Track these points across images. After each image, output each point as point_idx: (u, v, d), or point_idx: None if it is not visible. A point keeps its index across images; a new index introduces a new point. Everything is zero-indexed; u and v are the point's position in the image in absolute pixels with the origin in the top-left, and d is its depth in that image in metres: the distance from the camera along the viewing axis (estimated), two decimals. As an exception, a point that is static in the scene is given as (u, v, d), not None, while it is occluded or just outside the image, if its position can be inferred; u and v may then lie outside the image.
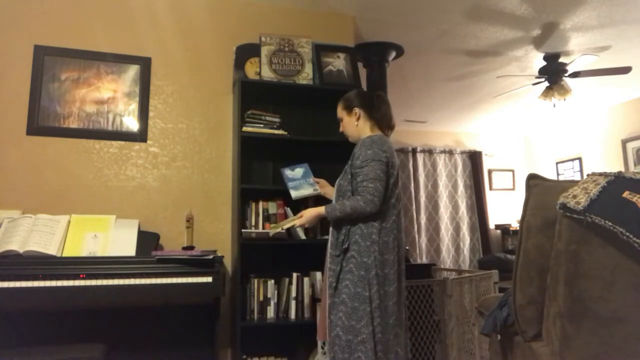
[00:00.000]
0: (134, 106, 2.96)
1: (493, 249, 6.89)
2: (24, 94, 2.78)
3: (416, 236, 6.59)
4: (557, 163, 6.86)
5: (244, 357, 2.77)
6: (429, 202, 6.82)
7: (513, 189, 7.27)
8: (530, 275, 1.59)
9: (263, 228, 2.87)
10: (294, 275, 2.86)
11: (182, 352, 2.65)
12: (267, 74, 2.99)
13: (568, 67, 4.35)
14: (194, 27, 3.17)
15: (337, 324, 2.02)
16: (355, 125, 2.30)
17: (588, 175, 1.56)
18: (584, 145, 6.42)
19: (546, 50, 4.28)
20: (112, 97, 2.93)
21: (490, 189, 7.17)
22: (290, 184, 2.67)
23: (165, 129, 3.02)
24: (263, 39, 3.05)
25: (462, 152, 7.12)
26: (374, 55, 4.02)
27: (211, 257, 2.44)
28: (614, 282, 1.37)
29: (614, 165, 5.93)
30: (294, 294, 2.84)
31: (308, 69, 3.07)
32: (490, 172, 7.21)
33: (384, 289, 2.05)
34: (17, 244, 2.31)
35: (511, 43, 4.12)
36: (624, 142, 5.84)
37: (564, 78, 4.42)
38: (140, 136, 2.95)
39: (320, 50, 3.18)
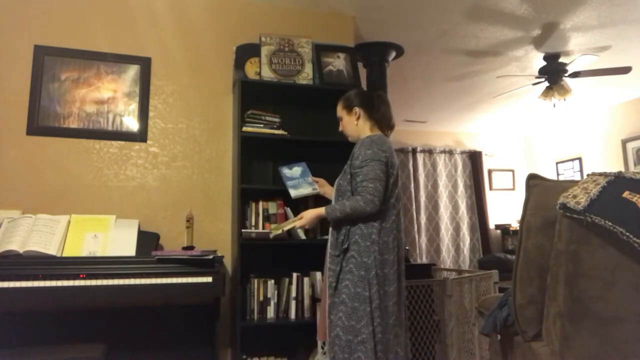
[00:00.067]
0: (134, 106, 2.96)
1: (493, 249, 6.89)
2: (24, 94, 2.78)
3: (416, 236, 6.59)
4: (557, 163, 6.86)
5: (244, 357, 2.77)
6: (429, 202, 6.82)
7: (513, 189, 7.27)
8: (530, 275, 1.59)
9: (263, 228, 2.87)
10: (294, 275, 2.86)
11: (182, 352, 2.65)
12: (267, 74, 2.99)
13: (568, 67, 4.35)
14: (194, 27, 3.17)
15: (337, 324, 2.02)
16: (355, 124, 2.30)
17: (588, 175, 1.56)
18: (584, 145, 6.42)
19: (546, 50, 4.28)
20: (112, 97, 2.93)
21: (490, 189, 7.17)
22: (289, 183, 2.67)
23: (165, 129, 3.02)
24: (263, 39, 3.05)
25: (462, 152, 7.12)
26: (374, 55, 4.02)
27: (211, 257, 2.44)
28: (614, 282, 1.37)
29: (614, 165, 5.93)
30: (294, 294, 2.84)
31: (308, 69, 3.07)
32: (490, 172, 7.21)
33: (384, 289, 2.05)
34: (17, 244, 2.31)
35: (511, 43, 4.12)
36: (624, 142, 5.84)
37: (564, 78, 4.42)
38: (140, 136, 2.95)
39: (320, 50, 3.18)
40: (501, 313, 1.76)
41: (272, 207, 2.92)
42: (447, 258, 6.73)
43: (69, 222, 2.52)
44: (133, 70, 2.99)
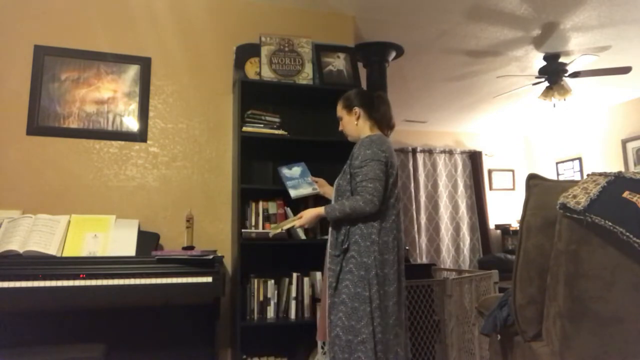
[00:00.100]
0: (134, 106, 2.96)
1: (493, 249, 6.89)
2: (24, 94, 2.78)
3: (416, 236, 6.59)
4: (557, 163, 6.86)
5: (244, 357, 2.77)
6: (429, 202, 6.82)
7: (513, 189, 7.27)
8: (530, 275, 1.59)
9: (263, 228, 2.87)
10: (294, 275, 2.86)
11: (182, 352, 2.65)
12: (267, 74, 2.99)
13: (568, 67, 4.35)
14: (194, 27, 3.17)
15: (337, 324, 2.02)
16: (354, 124, 2.30)
17: (588, 175, 1.56)
18: (584, 145, 6.42)
19: (546, 50, 4.28)
20: (112, 97, 2.93)
21: (490, 189, 7.17)
22: (288, 183, 2.67)
23: (165, 129, 3.02)
24: (263, 39, 3.05)
25: (462, 152, 7.12)
26: (374, 55, 4.02)
27: (211, 257, 2.44)
28: (614, 282, 1.37)
29: (614, 165, 5.93)
30: (294, 294, 2.84)
31: (308, 69, 3.07)
32: (490, 172, 7.21)
33: (383, 289, 2.05)
34: (17, 244, 2.31)
35: (511, 43, 4.12)
36: (624, 142, 5.84)
37: (564, 78, 4.42)
38: (140, 136, 2.95)
39: (320, 50, 3.18)
40: (501, 313, 1.76)
41: (272, 207, 2.92)
42: (447, 258, 6.73)
43: (69, 222, 2.52)
44: (133, 70, 2.99)
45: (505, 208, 7.12)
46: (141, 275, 2.32)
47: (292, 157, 2.98)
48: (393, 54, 4.12)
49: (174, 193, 2.96)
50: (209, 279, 2.40)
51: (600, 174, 1.51)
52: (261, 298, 2.81)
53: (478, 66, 4.62)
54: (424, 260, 6.52)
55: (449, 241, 6.82)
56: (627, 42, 4.12)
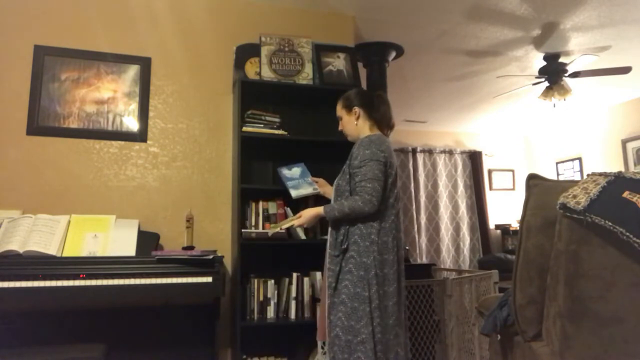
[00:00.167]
0: (134, 106, 2.96)
1: (493, 249, 6.89)
2: (24, 94, 2.78)
3: (416, 236, 6.59)
4: (557, 163, 6.86)
5: (244, 357, 2.77)
6: (429, 202, 6.82)
7: (513, 189, 7.27)
8: (530, 275, 1.59)
9: (263, 228, 2.87)
10: (294, 275, 2.86)
11: (182, 352, 2.65)
12: (267, 74, 2.99)
13: (568, 67, 4.35)
14: (194, 27, 3.17)
15: (337, 324, 2.02)
16: (354, 124, 2.30)
17: (588, 175, 1.56)
18: (584, 145, 6.42)
19: (546, 50, 4.28)
20: (112, 97, 2.93)
21: (490, 189, 7.17)
22: (289, 183, 2.67)
23: (165, 129, 3.02)
24: (263, 39, 3.05)
25: (462, 152, 7.12)
26: (374, 55, 4.02)
27: (211, 257, 2.44)
28: (614, 282, 1.37)
29: (614, 165, 5.93)
30: (294, 294, 2.84)
31: (308, 69, 3.07)
32: (490, 172, 7.21)
33: (383, 289, 2.05)
34: (17, 244, 2.31)
35: (511, 43, 4.12)
36: (624, 142, 5.84)
37: (564, 78, 4.42)
38: (140, 136, 2.95)
39: (320, 50, 3.18)
40: (501, 313, 1.76)
41: (272, 207, 2.92)
42: (447, 258, 6.73)
43: (69, 222, 2.52)
44: (133, 70, 2.99)
45: (505, 208, 7.12)
46: (141, 275, 2.32)
47: (292, 157, 2.98)
48: (393, 54, 4.12)
49: (174, 193, 2.96)
50: (209, 279, 2.40)
51: (600, 174, 1.51)
52: (261, 298, 2.81)
53: (478, 66, 4.62)
54: (424, 260, 6.52)
55: (449, 241, 6.82)
56: (627, 42, 4.12)
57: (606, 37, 4.04)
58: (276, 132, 2.95)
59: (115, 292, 2.26)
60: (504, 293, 1.87)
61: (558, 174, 6.83)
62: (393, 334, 2.04)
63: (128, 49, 3.00)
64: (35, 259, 2.29)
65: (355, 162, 2.12)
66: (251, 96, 3.03)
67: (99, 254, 2.44)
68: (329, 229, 2.18)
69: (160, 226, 2.84)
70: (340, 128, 2.38)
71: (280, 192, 2.86)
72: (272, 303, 2.82)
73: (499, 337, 1.83)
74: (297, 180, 2.70)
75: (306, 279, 2.87)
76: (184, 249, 2.60)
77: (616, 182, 1.44)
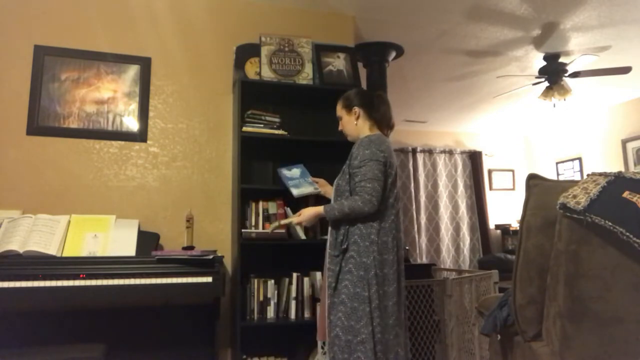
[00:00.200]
0: (134, 106, 2.96)
1: (493, 249, 6.89)
2: (24, 94, 2.78)
3: (416, 236, 6.59)
4: (557, 163, 6.86)
5: (244, 357, 2.77)
6: (429, 202, 6.82)
7: (513, 189, 7.27)
8: (530, 275, 1.59)
9: (263, 228, 2.87)
10: (294, 275, 2.86)
11: (182, 352, 2.65)
12: (267, 74, 2.99)
13: (568, 67, 4.35)
14: (194, 27, 3.17)
15: (337, 324, 2.02)
16: (354, 124, 2.30)
17: (588, 175, 1.56)
18: (584, 145, 6.42)
19: (546, 50, 4.28)
20: (112, 97, 2.93)
21: (490, 189, 7.17)
22: (290, 183, 2.68)
23: (165, 129, 3.02)
24: (263, 39, 3.05)
25: (462, 152, 7.12)
26: (374, 55, 4.02)
27: (211, 257, 2.44)
28: (614, 282, 1.37)
29: (614, 165, 5.93)
30: (294, 294, 2.84)
31: (308, 69, 3.07)
32: (490, 172, 7.21)
33: (383, 289, 2.05)
34: (17, 244, 2.31)
35: (511, 43, 4.12)
36: (624, 142, 5.84)
37: (564, 78, 4.42)
38: (140, 136, 2.95)
39: (320, 50, 3.18)
40: (501, 313, 1.76)
41: (272, 207, 2.92)
42: (447, 258, 6.73)
43: (69, 222, 2.52)
44: (133, 70, 2.99)
45: (505, 208, 7.12)
46: (141, 275, 2.32)
47: (292, 157, 2.98)
48: (393, 54, 4.12)
49: (174, 193, 2.96)
50: (209, 279, 2.40)
51: (600, 174, 1.51)
52: (261, 298, 2.81)
53: (478, 66, 4.62)
54: (424, 260, 6.52)
55: (449, 241, 6.82)
56: (627, 42, 4.12)
57: (606, 37, 4.04)
58: (276, 132, 2.95)
59: (115, 292, 2.26)
60: (504, 293, 1.87)
61: (558, 174, 6.83)
62: (393, 334, 2.04)
63: (128, 49, 3.00)
64: (35, 259, 2.29)
65: (355, 162, 2.12)
66: (251, 96, 3.03)
67: (99, 254, 2.44)
68: (329, 229, 2.18)
69: (160, 226, 2.84)
70: (340, 128, 2.38)
71: (280, 192, 2.86)
72: (272, 303, 2.82)
73: (499, 337, 1.83)
74: (298, 179, 2.70)
75: (306, 279, 2.87)
76: (184, 249, 2.60)
77: (616, 182, 1.44)
